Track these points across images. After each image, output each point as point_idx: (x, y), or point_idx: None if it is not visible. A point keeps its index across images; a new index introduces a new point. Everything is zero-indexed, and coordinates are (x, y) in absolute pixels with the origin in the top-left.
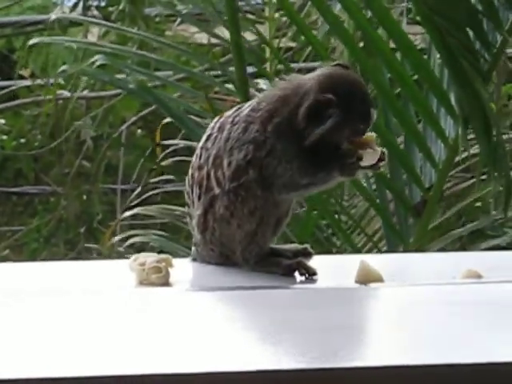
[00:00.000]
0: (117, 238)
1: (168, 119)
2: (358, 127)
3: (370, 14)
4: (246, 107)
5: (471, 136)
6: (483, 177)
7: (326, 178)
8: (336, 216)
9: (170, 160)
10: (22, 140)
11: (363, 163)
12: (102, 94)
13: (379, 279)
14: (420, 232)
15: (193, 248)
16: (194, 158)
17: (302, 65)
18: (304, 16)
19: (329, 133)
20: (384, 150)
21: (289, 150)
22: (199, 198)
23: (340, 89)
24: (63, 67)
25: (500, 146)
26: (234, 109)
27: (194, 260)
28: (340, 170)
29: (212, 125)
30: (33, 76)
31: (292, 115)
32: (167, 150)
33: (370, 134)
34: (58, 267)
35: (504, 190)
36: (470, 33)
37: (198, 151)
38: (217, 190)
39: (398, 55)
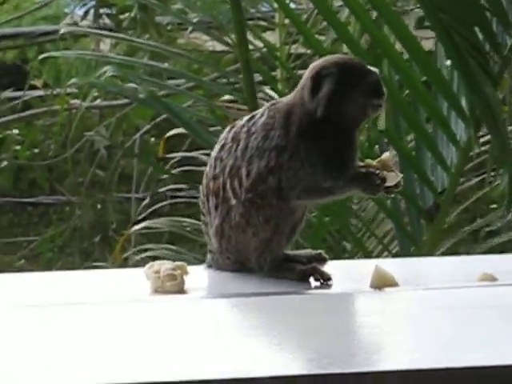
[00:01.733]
0: (127, 254)
1: (175, 130)
2: (371, 94)
3: (376, 16)
4: (260, 116)
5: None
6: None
7: (345, 191)
8: (346, 220)
9: (181, 169)
10: (36, 150)
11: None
12: (115, 102)
13: (394, 284)
14: (433, 235)
15: (208, 255)
16: (207, 168)
17: None
18: (313, 22)
19: (336, 101)
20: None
21: (312, 151)
22: (216, 208)
23: (330, 60)
24: (73, 80)
25: (507, 146)
26: (246, 118)
27: (209, 267)
28: (364, 190)
29: (224, 135)
30: (45, 86)
31: (305, 112)
32: (175, 159)
33: (390, 155)
34: (73, 277)
35: (508, 185)
36: (480, 35)
37: (211, 161)
38: (233, 201)
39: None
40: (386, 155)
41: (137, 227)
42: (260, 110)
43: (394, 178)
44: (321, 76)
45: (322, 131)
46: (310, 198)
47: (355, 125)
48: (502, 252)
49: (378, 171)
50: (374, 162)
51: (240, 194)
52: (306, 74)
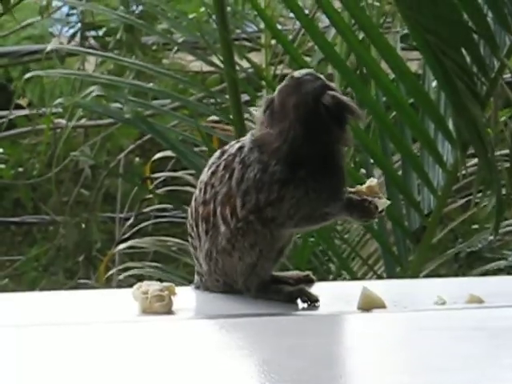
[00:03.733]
0: (112, 271)
1: (162, 153)
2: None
3: (363, 37)
4: (249, 150)
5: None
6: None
7: (339, 217)
8: (331, 241)
9: (165, 189)
10: (20, 169)
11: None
12: (100, 122)
13: (381, 305)
14: (419, 256)
15: (196, 277)
16: (197, 192)
17: None
18: (299, 42)
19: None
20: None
21: (316, 176)
22: (206, 233)
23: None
24: (59, 100)
25: (494, 168)
26: (236, 146)
27: (197, 288)
28: (360, 217)
29: (214, 160)
30: (30, 105)
31: (294, 140)
32: (159, 179)
33: (377, 181)
34: (61, 297)
35: (496, 205)
36: (467, 58)
37: (201, 186)
38: (222, 228)
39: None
40: (373, 181)
41: (122, 246)
42: (246, 143)
43: (382, 204)
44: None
45: (318, 161)
46: (306, 225)
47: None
48: (485, 274)
49: (371, 199)
50: (364, 189)
51: (230, 222)
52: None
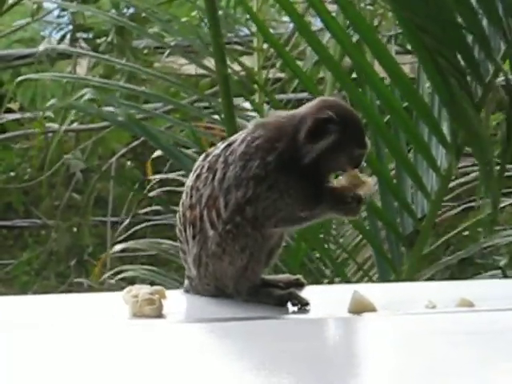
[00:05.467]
0: (107, 274)
1: (158, 152)
2: (355, 152)
3: (358, 40)
4: (238, 144)
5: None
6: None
7: (323, 217)
8: (325, 245)
9: (158, 190)
10: (12, 173)
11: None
12: (92, 126)
13: (372, 309)
14: (412, 261)
15: (186, 281)
16: (184, 197)
17: (291, 95)
18: (292, 46)
19: (327, 153)
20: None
21: (291, 183)
22: (194, 238)
23: (337, 111)
24: (51, 101)
25: (492, 172)
26: (222, 147)
27: (187, 292)
28: (345, 214)
29: (199, 163)
30: (22, 109)
31: (291, 144)
32: (153, 181)
33: (354, 172)
34: (51, 300)
35: (492, 210)
36: (462, 62)
37: (187, 190)
38: (210, 232)
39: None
40: (352, 173)
41: (117, 247)
42: (238, 137)
43: (369, 185)
44: (325, 128)
45: (302, 168)
46: (286, 226)
47: (335, 170)
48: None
49: (353, 192)
50: (343, 180)
51: (218, 225)
52: (309, 110)
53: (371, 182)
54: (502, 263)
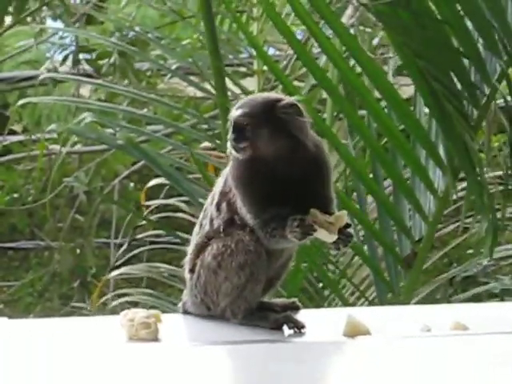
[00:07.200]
0: (105, 297)
1: (155, 180)
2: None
3: (354, 64)
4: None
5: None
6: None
7: (281, 240)
8: (323, 266)
9: (158, 216)
10: (16, 195)
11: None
12: (94, 148)
13: (366, 332)
14: (410, 283)
15: (180, 304)
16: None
17: None
18: (291, 68)
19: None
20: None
21: (241, 192)
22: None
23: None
24: (52, 126)
25: (486, 192)
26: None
27: (184, 313)
28: (294, 236)
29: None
30: (25, 131)
31: None
32: (152, 206)
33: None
34: (50, 324)
35: (491, 230)
36: (458, 85)
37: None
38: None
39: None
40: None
41: (114, 273)
42: None
43: (325, 235)
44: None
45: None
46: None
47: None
48: (478, 300)
49: (307, 220)
50: (331, 218)
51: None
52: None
53: (330, 233)
54: (505, 281)
